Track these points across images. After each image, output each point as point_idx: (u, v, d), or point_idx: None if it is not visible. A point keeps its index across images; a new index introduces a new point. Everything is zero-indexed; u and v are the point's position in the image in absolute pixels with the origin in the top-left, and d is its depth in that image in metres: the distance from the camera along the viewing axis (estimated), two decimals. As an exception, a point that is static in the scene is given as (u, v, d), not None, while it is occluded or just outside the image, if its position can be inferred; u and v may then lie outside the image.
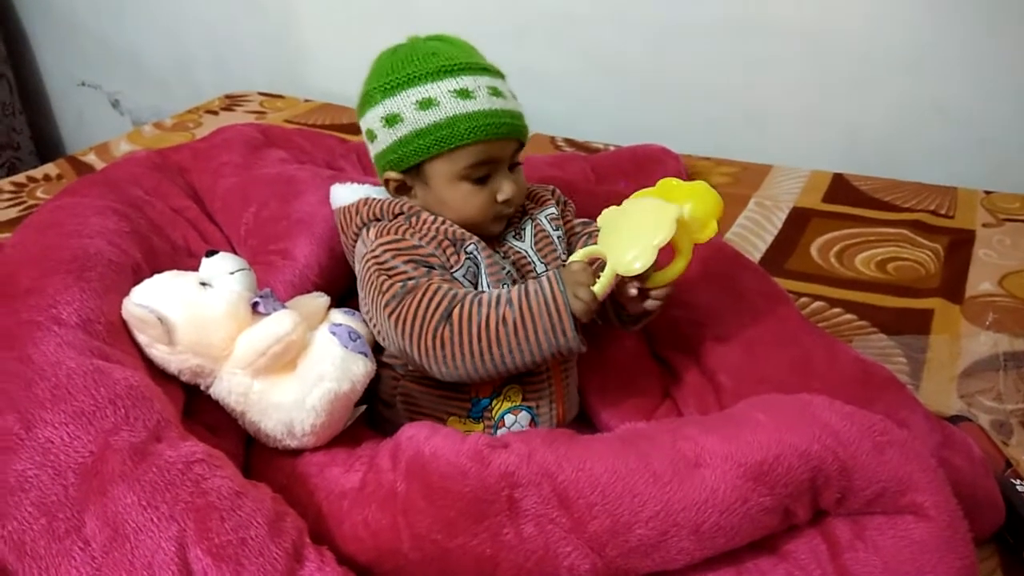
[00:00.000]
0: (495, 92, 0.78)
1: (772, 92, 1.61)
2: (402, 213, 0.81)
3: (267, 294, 0.74)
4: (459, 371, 0.72)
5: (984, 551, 0.74)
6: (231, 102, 1.95)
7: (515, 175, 0.81)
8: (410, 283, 0.74)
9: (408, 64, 0.79)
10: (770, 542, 0.64)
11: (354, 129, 1.73)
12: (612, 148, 1.58)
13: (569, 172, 1.31)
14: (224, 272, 0.72)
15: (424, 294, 0.73)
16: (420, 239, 0.78)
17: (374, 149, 0.82)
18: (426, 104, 0.77)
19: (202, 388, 0.71)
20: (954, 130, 1.50)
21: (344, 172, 1.12)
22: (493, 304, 0.72)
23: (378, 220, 0.81)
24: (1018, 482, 0.81)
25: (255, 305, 0.72)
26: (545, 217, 0.87)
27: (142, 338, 0.69)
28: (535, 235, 0.85)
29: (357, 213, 0.82)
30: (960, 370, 1.02)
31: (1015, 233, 1.31)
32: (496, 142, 0.78)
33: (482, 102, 0.77)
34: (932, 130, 1.52)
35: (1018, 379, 0.99)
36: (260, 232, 0.93)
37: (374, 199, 0.82)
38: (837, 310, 1.14)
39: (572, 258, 0.76)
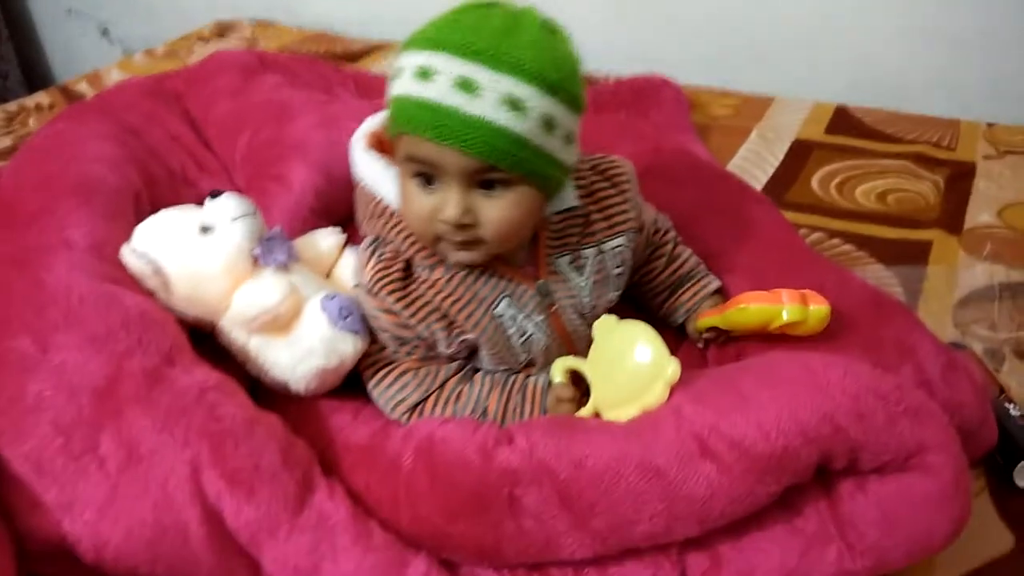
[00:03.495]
0: (464, 84, 0.60)
1: (775, 22, 1.58)
2: (415, 257, 0.69)
3: (276, 233, 0.72)
4: None
5: (972, 472, 0.76)
6: (222, 29, 1.91)
7: (486, 200, 0.64)
8: (386, 352, 0.71)
9: (426, 25, 0.65)
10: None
11: (347, 59, 1.71)
12: (612, 79, 1.56)
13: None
14: (227, 218, 0.69)
15: (397, 378, 0.71)
16: (409, 316, 0.68)
17: None
18: (396, 73, 0.65)
19: (206, 332, 0.70)
20: (960, 59, 1.48)
21: (339, 99, 1.10)
22: (469, 406, 0.70)
23: (387, 243, 0.70)
24: (1011, 406, 0.83)
25: (257, 257, 0.70)
26: (612, 249, 0.75)
27: (142, 285, 0.68)
28: (595, 270, 0.74)
29: (373, 218, 0.73)
30: (956, 300, 1.03)
31: (1016, 165, 1.31)
32: (427, 143, 0.61)
33: (423, 88, 0.61)
34: (938, 59, 1.50)
35: (1013, 309, 1.01)
36: (255, 158, 0.91)
37: (393, 214, 0.71)
38: (836, 241, 1.15)
39: (555, 372, 0.71)
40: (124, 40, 2.37)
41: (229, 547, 0.57)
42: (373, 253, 0.70)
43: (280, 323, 0.68)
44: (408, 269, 0.69)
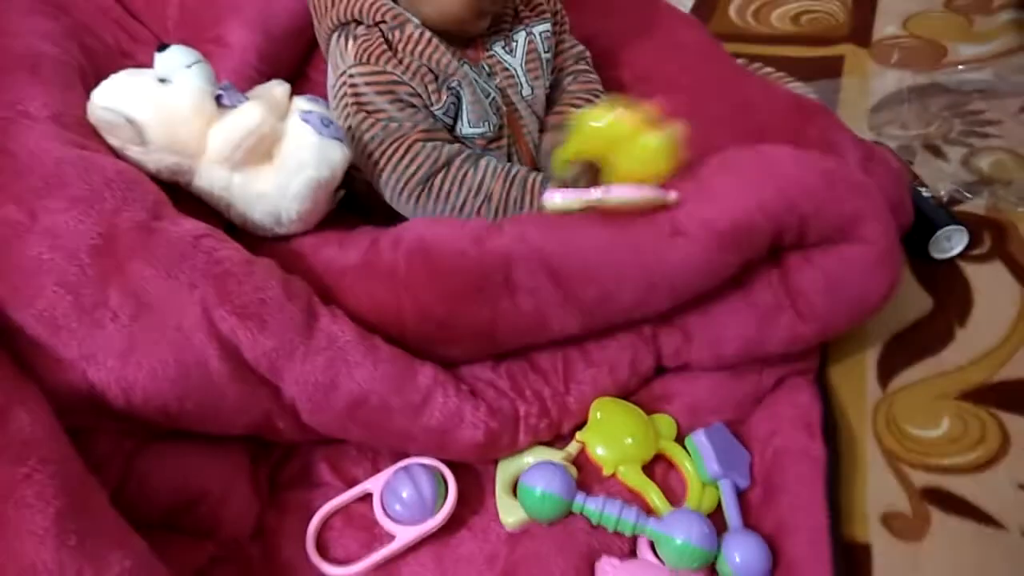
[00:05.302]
0: None
1: None
2: (384, 22, 0.75)
3: (228, 86, 0.72)
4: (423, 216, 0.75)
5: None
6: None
7: None
8: (392, 126, 0.74)
9: None
10: (731, 276, 0.70)
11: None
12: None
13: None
14: (180, 66, 0.69)
15: (408, 149, 0.74)
16: (403, 72, 0.74)
17: None
18: None
19: (183, 185, 0.71)
20: None
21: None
22: (472, 191, 0.74)
23: (357, 23, 0.76)
24: (923, 190, 0.92)
25: (219, 98, 0.70)
26: (539, 34, 0.82)
27: (114, 141, 0.68)
28: (526, 51, 0.81)
29: (333, 5, 0.77)
30: (870, 106, 1.11)
31: (917, -23, 1.39)
32: None
33: None
34: None
35: (920, 108, 1.09)
36: (188, 23, 0.89)
37: (359, 16, 0.76)
38: (757, 64, 1.20)
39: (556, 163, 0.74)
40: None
41: (250, 376, 0.61)
42: (347, 38, 0.76)
43: (263, 147, 0.69)
44: (383, 36, 0.75)
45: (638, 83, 0.90)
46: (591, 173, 0.71)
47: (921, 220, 0.87)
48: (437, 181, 0.74)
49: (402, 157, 0.74)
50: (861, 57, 1.21)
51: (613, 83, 0.93)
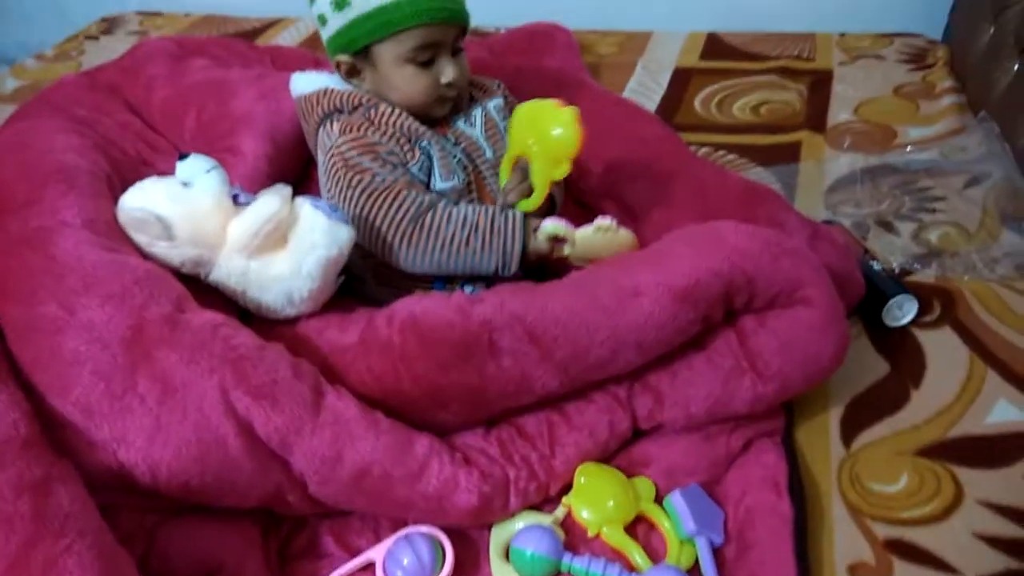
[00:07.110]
0: None
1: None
2: (361, 105, 0.88)
3: (240, 188, 0.81)
4: (416, 267, 0.85)
5: (850, 320, 0.93)
6: (109, 25, 1.91)
7: (458, 60, 0.90)
8: (377, 180, 0.84)
9: None
10: (694, 339, 0.78)
11: (243, 38, 1.75)
12: (504, 30, 1.66)
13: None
14: (201, 171, 0.78)
15: (396, 196, 0.84)
16: (380, 136, 0.86)
17: (325, 33, 0.89)
18: None
19: (202, 276, 0.78)
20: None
21: (271, 74, 1.17)
22: (460, 224, 0.84)
23: (339, 111, 0.89)
24: (875, 263, 1.00)
25: (235, 198, 0.79)
26: (493, 107, 0.97)
27: (142, 238, 0.76)
28: (484, 123, 0.95)
29: (318, 103, 0.90)
30: (826, 187, 1.20)
31: (867, 67, 1.51)
32: (438, 26, 0.85)
33: None
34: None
35: (872, 188, 1.19)
36: (204, 134, 0.99)
37: (333, 90, 0.89)
38: (721, 152, 1.30)
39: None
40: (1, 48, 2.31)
41: (263, 451, 0.67)
42: (332, 123, 0.89)
43: (279, 233, 0.77)
44: (363, 115, 0.88)
45: (609, 172, 1.00)
46: (527, 180, 0.88)
47: (873, 291, 0.95)
48: (427, 218, 0.84)
49: (392, 203, 0.84)
50: (817, 142, 1.31)
51: (584, 172, 1.03)
